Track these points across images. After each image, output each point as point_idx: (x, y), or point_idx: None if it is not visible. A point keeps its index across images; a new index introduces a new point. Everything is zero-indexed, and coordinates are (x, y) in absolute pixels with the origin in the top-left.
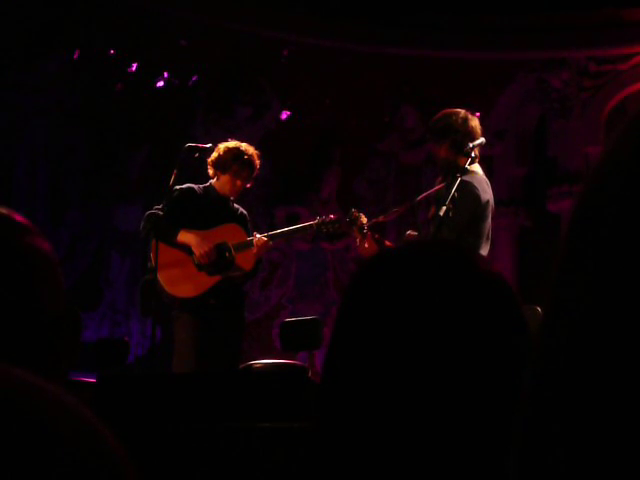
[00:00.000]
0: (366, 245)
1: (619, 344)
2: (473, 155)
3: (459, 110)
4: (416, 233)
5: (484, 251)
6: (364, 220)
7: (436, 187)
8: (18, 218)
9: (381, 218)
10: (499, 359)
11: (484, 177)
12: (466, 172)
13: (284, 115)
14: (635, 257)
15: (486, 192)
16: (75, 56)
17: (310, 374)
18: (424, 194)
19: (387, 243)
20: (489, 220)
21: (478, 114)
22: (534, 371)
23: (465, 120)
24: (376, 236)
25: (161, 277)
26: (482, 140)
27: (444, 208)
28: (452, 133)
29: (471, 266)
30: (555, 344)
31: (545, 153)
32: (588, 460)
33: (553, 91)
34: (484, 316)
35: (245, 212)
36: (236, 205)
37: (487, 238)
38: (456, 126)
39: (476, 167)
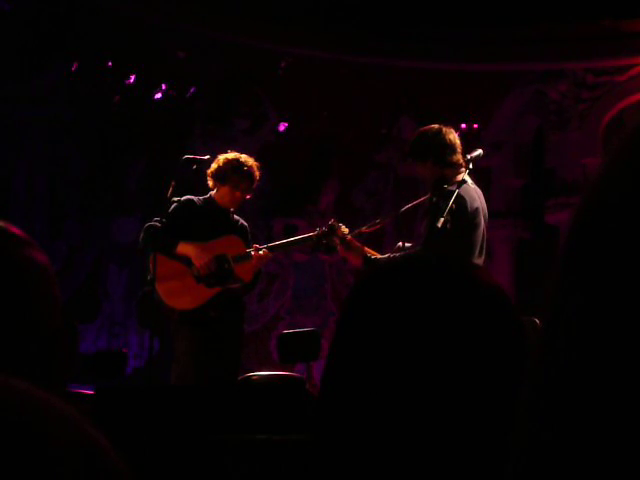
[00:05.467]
0: (352, 257)
1: (618, 356)
2: (470, 167)
3: (433, 126)
4: (401, 244)
5: (479, 260)
6: (345, 230)
7: (420, 199)
8: (14, 230)
9: (364, 229)
10: (497, 371)
11: (473, 186)
12: (462, 184)
13: (282, 127)
14: (634, 269)
15: (474, 200)
16: (73, 68)
17: (308, 386)
18: (408, 205)
19: (369, 251)
20: (481, 228)
21: (476, 125)
22: (533, 383)
23: (440, 133)
24: (363, 247)
25: (160, 289)
26: (480, 152)
27: (442, 220)
28: (432, 149)
29: (470, 278)
30: (554, 356)
31: (543, 165)
32: (587, 468)
33: (551, 103)
34: (483, 328)
35: (245, 224)
36: (236, 217)
37: (481, 247)
38: (434, 141)
39: (465, 176)
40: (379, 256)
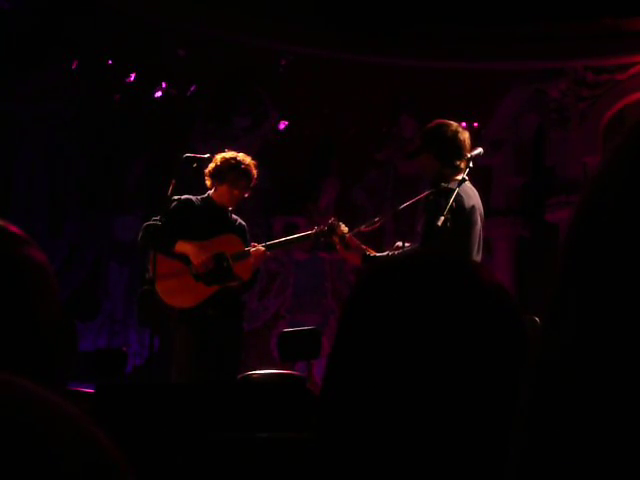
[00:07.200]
0: (351, 256)
1: (618, 354)
2: (470, 165)
3: (451, 122)
4: (401, 243)
5: (477, 258)
6: (344, 229)
7: (418, 196)
8: (13, 229)
9: (362, 228)
10: (498, 369)
11: (468, 184)
12: (462, 182)
13: (282, 125)
14: (634, 267)
15: (471, 198)
16: (73, 66)
17: (308, 384)
18: (406, 203)
19: (368, 249)
20: (478, 226)
21: (476, 124)
22: (533, 381)
23: (455, 133)
24: (362, 246)
25: (159, 288)
26: (480, 150)
27: (442, 218)
28: (441, 144)
29: (472, 276)
30: (554, 354)
31: (543, 163)
32: (586, 467)
33: (551, 101)
34: (484, 326)
35: (244, 223)
36: (234, 216)
37: (479, 245)
38: (446, 138)
39: (464, 175)
40: (378, 254)
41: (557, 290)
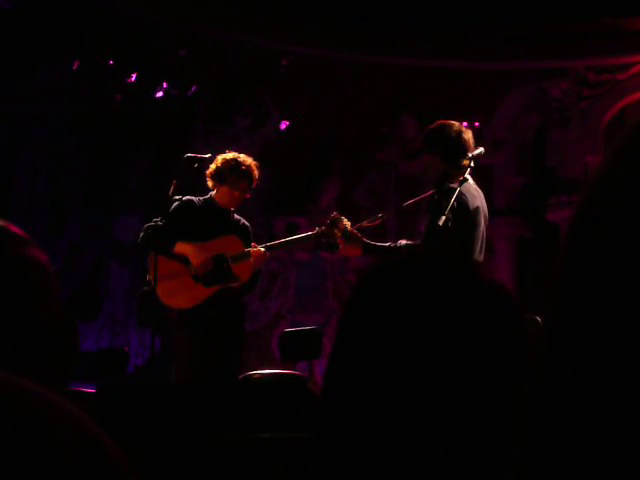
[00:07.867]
0: (351, 248)
1: (619, 354)
2: (471, 165)
3: (453, 122)
4: (404, 242)
5: (478, 258)
6: (347, 224)
7: (422, 195)
8: (14, 229)
9: (365, 223)
10: (499, 369)
11: (473, 184)
12: (463, 182)
13: (283, 125)
14: (634, 268)
15: (475, 199)
16: (74, 67)
17: (310, 384)
18: (410, 201)
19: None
20: (481, 227)
21: (477, 124)
22: (533, 381)
23: (459, 133)
24: (363, 238)
25: (159, 288)
26: (481, 150)
27: (443, 218)
28: (445, 145)
29: (473, 276)
30: (555, 355)
31: (544, 163)
32: (586, 468)
33: (552, 101)
34: (486, 326)
35: (247, 223)
36: (237, 216)
37: (481, 245)
38: (449, 138)
39: (466, 175)
40: (379, 244)
41: (557, 290)
